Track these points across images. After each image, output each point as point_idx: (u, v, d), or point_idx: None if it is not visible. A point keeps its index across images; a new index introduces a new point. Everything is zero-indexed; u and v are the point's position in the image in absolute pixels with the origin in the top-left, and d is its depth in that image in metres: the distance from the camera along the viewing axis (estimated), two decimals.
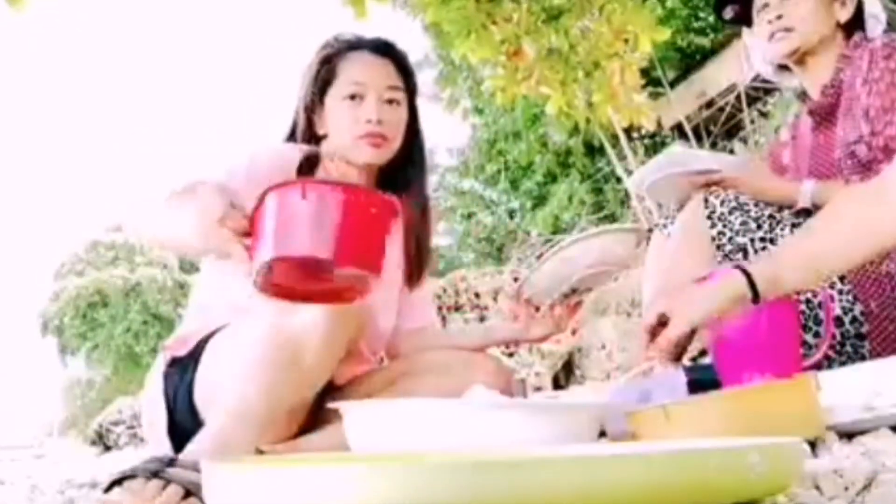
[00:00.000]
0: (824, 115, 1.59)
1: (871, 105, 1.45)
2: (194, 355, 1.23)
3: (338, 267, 0.87)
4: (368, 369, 1.42)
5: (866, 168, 1.46)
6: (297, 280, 0.92)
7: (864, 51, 1.51)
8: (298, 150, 1.38)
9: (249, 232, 0.88)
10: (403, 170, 1.45)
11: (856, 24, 1.60)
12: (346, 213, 0.82)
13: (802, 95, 1.69)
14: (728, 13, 1.74)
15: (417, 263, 1.48)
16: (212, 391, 1.16)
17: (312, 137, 1.41)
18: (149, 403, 1.28)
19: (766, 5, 1.63)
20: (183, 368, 1.23)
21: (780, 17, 1.60)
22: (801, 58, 1.61)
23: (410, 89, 1.43)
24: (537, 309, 1.39)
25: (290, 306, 1.08)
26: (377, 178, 1.43)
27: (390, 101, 1.37)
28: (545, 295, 1.35)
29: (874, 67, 1.46)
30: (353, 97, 1.36)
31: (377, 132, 1.35)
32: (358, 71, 1.37)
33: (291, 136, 1.43)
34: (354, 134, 1.35)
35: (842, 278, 1.42)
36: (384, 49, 1.40)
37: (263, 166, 1.28)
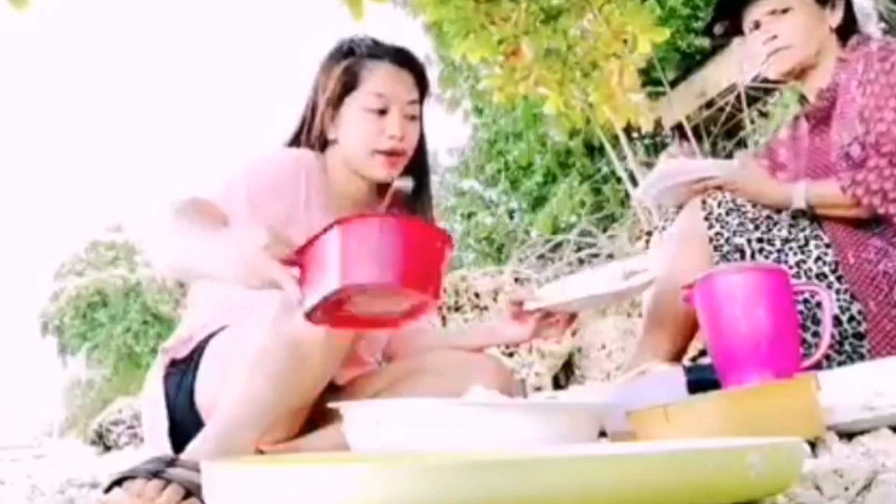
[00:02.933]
0: (820, 119, 1.60)
1: (866, 106, 1.45)
2: (194, 357, 1.23)
3: (405, 291, 0.92)
4: (369, 370, 1.42)
5: (858, 167, 1.46)
6: (363, 306, 0.96)
7: (860, 54, 1.52)
8: (300, 162, 1.35)
9: (293, 262, 0.93)
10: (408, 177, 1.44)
11: (849, 25, 1.60)
12: (414, 244, 0.89)
13: (802, 98, 1.69)
14: (718, 29, 1.74)
15: None
16: (213, 392, 1.16)
17: (322, 141, 1.39)
18: (149, 405, 1.28)
19: (757, 24, 1.62)
20: (183, 370, 1.23)
21: (774, 36, 1.59)
22: (801, 71, 1.62)
23: (423, 101, 1.42)
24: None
25: (290, 307, 1.08)
26: (380, 185, 1.43)
27: (410, 116, 1.36)
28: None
29: (869, 69, 1.47)
30: (376, 109, 1.33)
31: (397, 148, 1.33)
32: (383, 83, 1.34)
33: (297, 138, 1.42)
34: (374, 147, 1.33)
35: (839, 278, 1.42)
36: (406, 60, 1.39)
37: (265, 182, 1.28)
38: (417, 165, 1.43)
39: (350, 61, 1.37)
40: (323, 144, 1.39)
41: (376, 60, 1.36)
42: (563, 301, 1.31)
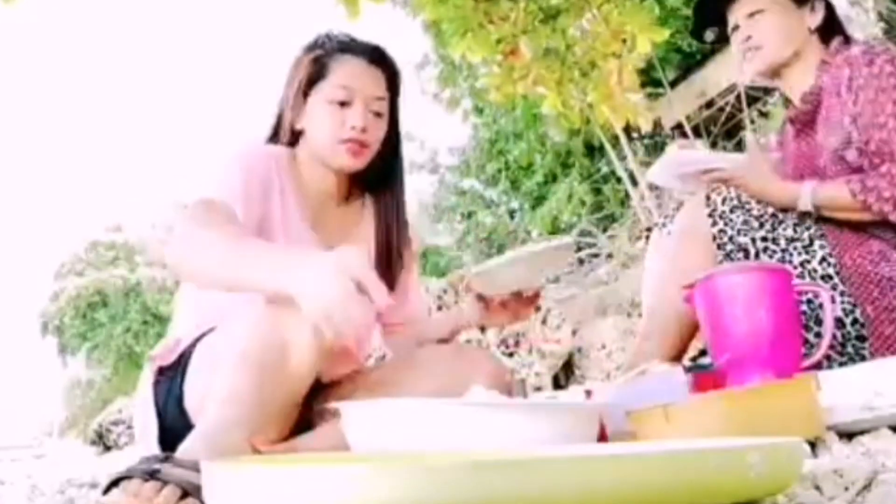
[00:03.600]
0: (805, 122, 1.60)
1: (861, 112, 1.45)
2: (182, 362, 1.23)
3: None
4: (360, 368, 1.42)
5: (856, 171, 1.46)
6: None
7: (843, 58, 1.52)
8: (271, 157, 1.36)
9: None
10: (379, 173, 1.45)
11: (833, 28, 1.60)
12: None
13: (787, 102, 1.69)
14: (709, 35, 1.76)
15: (388, 267, 1.47)
16: (202, 395, 1.15)
17: (293, 133, 1.40)
18: (139, 413, 1.28)
19: (737, 27, 1.65)
20: (171, 376, 1.23)
21: (749, 37, 1.62)
22: (776, 71, 1.63)
23: (394, 99, 1.43)
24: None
25: (275, 308, 1.08)
26: (351, 178, 1.43)
27: (375, 112, 1.37)
28: (492, 293, 1.42)
29: (858, 75, 1.47)
30: (340, 102, 1.34)
31: (360, 139, 1.34)
32: (348, 76, 1.35)
33: (276, 132, 1.43)
34: (337, 138, 1.34)
35: (842, 280, 1.41)
36: (377, 57, 1.39)
37: (251, 178, 1.29)
38: (387, 167, 1.45)
39: (318, 53, 1.38)
40: (294, 137, 1.40)
41: (346, 55, 1.38)
42: (475, 271, 1.35)
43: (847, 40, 1.59)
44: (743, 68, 1.68)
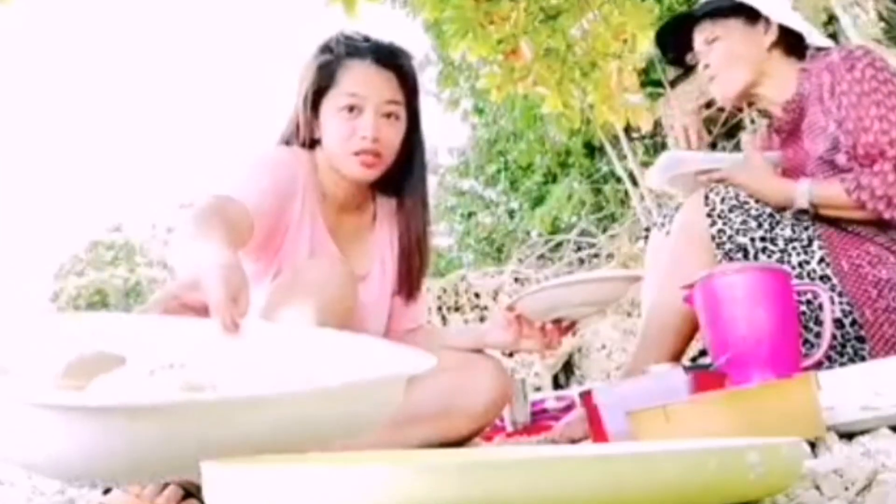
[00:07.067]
0: (790, 131, 1.60)
1: (846, 117, 1.45)
2: None
3: None
4: None
5: (845, 172, 1.47)
6: None
7: (823, 64, 1.52)
8: (296, 161, 1.35)
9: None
10: (401, 178, 1.42)
11: (796, 38, 1.60)
12: None
13: (766, 112, 1.69)
14: (690, 58, 1.76)
15: (415, 270, 1.45)
16: None
17: (310, 140, 1.39)
18: None
19: (699, 52, 1.66)
20: None
21: (707, 66, 1.63)
22: (744, 94, 1.63)
23: (412, 100, 1.39)
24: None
25: (274, 308, 1.08)
26: (369, 184, 1.41)
27: (388, 115, 1.33)
28: (534, 317, 1.35)
29: (840, 80, 1.47)
30: (350, 109, 1.31)
31: (371, 149, 1.31)
32: (357, 82, 1.32)
33: (288, 138, 1.41)
34: (348, 148, 1.31)
35: (840, 281, 1.41)
36: (388, 58, 1.35)
37: (281, 180, 1.29)
38: (406, 169, 1.42)
39: (325, 60, 1.35)
40: (312, 144, 1.39)
41: (355, 59, 1.34)
42: (534, 290, 1.31)
43: (824, 48, 1.60)
44: (714, 93, 1.68)
